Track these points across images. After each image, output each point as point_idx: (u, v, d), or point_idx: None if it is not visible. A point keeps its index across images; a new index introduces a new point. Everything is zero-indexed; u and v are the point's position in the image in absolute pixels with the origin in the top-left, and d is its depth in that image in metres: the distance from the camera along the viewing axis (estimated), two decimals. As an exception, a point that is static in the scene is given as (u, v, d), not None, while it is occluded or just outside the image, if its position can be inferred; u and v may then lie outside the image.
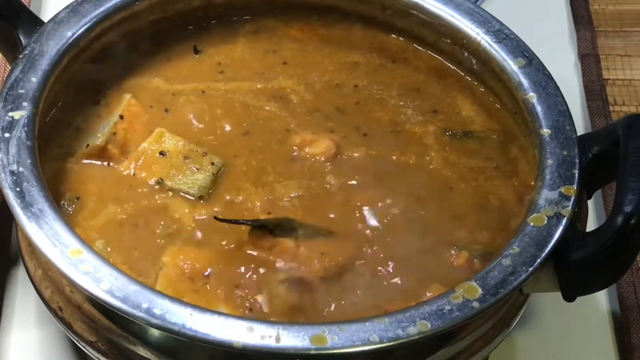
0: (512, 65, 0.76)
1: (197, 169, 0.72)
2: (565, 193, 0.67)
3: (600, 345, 0.79)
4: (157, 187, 0.71)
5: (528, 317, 0.79)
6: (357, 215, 0.71)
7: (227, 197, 0.71)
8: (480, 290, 0.61)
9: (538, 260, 0.63)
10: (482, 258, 0.68)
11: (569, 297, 0.66)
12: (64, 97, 0.76)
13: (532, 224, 0.65)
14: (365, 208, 0.71)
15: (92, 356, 0.67)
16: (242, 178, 0.73)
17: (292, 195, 0.72)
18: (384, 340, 0.58)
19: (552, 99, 0.73)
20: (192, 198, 0.71)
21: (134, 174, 0.72)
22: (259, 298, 0.65)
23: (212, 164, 0.72)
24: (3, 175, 0.64)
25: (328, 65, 0.82)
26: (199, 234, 0.69)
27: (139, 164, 0.72)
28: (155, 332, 0.62)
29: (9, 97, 0.69)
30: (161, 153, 0.72)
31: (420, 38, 0.83)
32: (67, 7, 0.76)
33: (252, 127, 0.77)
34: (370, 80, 0.81)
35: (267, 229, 0.68)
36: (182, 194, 0.71)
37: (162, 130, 0.74)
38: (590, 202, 0.73)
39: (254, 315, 0.64)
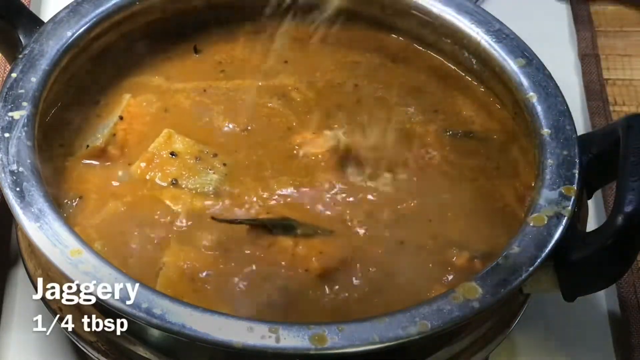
0: (512, 65, 0.75)
1: (210, 170, 0.72)
2: (565, 193, 0.66)
3: (600, 345, 0.79)
4: (171, 187, 0.71)
5: (528, 317, 0.79)
6: (357, 214, 0.71)
7: (227, 190, 0.71)
8: (480, 290, 0.61)
9: (538, 260, 0.63)
10: (482, 258, 0.68)
11: (569, 297, 0.66)
12: (64, 97, 0.76)
13: (532, 224, 0.65)
14: (365, 207, 0.71)
15: (92, 356, 0.67)
16: (242, 173, 0.73)
17: (291, 192, 0.72)
18: (384, 340, 0.58)
19: (552, 99, 0.73)
20: (205, 194, 0.71)
21: (144, 175, 0.72)
22: (259, 297, 0.65)
23: (224, 164, 0.73)
24: (3, 175, 0.64)
25: (329, 64, 0.82)
26: (198, 234, 0.69)
27: (151, 165, 0.72)
28: (155, 332, 0.62)
29: (9, 97, 0.69)
30: (172, 154, 0.72)
31: (421, 38, 0.83)
32: (67, 7, 0.76)
33: (254, 124, 0.77)
34: (370, 79, 0.81)
35: (266, 228, 0.68)
36: (193, 192, 0.71)
37: (171, 132, 0.74)
38: (590, 202, 0.72)
39: (254, 314, 0.64)
